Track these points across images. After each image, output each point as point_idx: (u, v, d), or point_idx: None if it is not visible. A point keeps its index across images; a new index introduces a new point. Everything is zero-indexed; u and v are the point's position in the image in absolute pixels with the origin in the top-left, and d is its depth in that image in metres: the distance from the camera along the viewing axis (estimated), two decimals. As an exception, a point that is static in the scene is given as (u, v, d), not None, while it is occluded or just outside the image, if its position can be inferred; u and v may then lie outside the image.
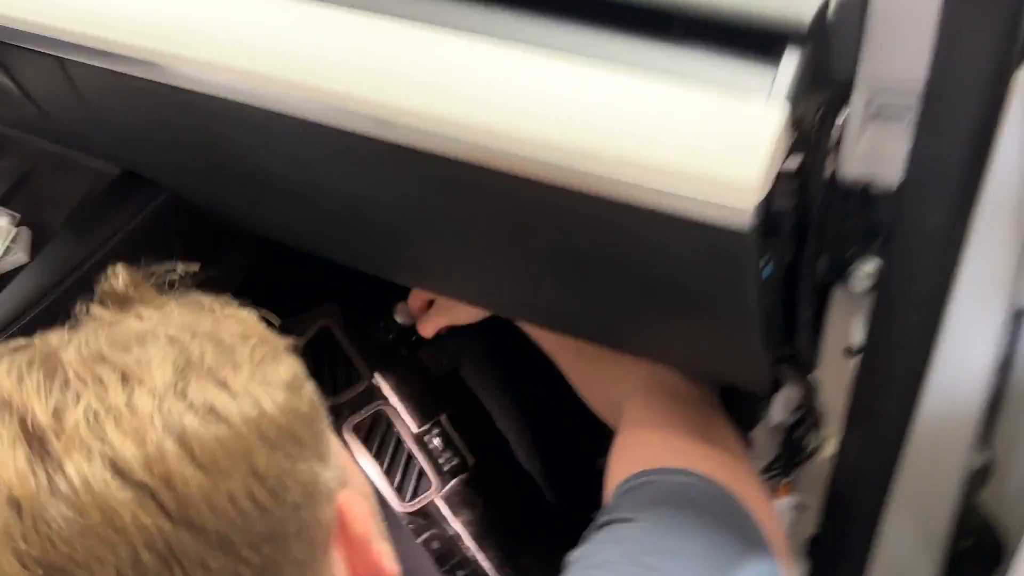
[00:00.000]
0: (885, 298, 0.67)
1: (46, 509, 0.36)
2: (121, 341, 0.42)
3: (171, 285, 0.50)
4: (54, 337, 0.44)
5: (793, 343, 0.74)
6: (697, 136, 0.53)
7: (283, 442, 0.42)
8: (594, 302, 0.73)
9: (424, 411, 0.95)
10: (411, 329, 0.93)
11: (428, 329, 0.92)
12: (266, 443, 0.41)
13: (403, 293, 0.95)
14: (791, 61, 0.56)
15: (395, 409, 0.93)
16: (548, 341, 0.87)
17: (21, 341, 0.43)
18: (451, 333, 0.93)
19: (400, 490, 0.96)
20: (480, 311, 0.89)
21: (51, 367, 0.40)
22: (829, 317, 0.74)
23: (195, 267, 0.53)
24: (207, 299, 0.48)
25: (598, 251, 0.65)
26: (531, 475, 1.06)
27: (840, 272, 0.70)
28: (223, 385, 0.41)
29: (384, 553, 0.49)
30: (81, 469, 0.37)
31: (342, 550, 0.47)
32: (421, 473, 0.96)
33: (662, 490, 0.66)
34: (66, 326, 0.46)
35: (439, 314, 0.92)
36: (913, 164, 0.61)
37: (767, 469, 0.84)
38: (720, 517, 0.64)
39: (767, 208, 0.57)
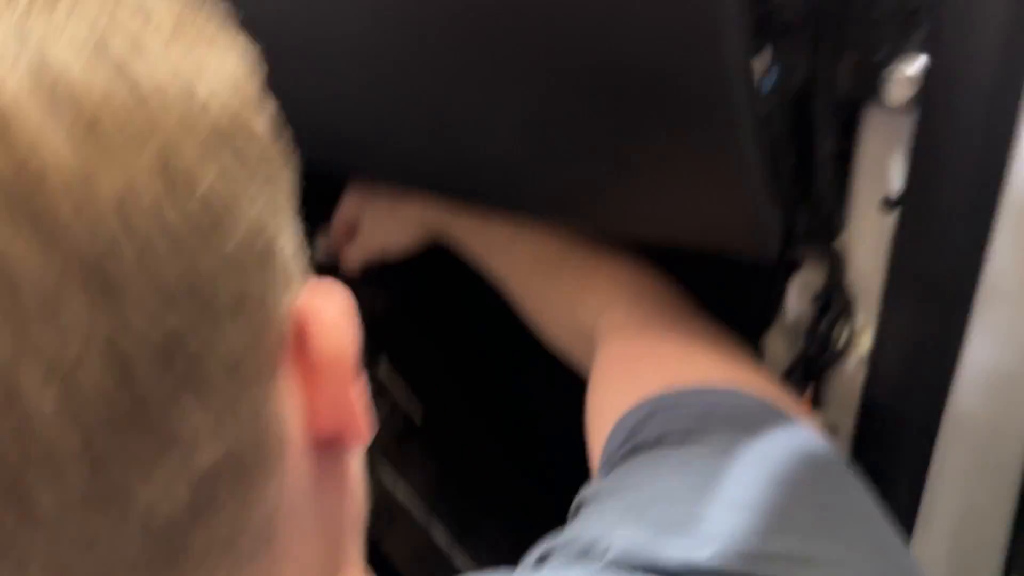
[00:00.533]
0: (932, 117, 0.46)
1: None
2: None
3: None
4: None
5: (810, 193, 0.53)
6: None
7: (218, 148, 0.26)
8: (575, 147, 0.53)
9: (360, 359, 0.77)
10: (335, 267, 0.79)
11: (354, 262, 0.77)
12: (192, 136, 0.25)
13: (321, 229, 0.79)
14: None
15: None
16: (496, 260, 0.69)
17: None
18: (383, 268, 0.77)
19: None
20: (412, 232, 0.73)
21: None
22: (858, 153, 0.53)
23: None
24: None
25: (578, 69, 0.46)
26: (492, 429, 0.87)
27: (871, 81, 0.48)
28: (141, 50, 0.25)
29: (360, 401, 0.32)
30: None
31: (298, 378, 0.30)
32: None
33: (721, 409, 0.46)
34: None
35: (365, 244, 0.76)
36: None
37: (783, 379, 0.63)
38: (825, 462, 0.44)
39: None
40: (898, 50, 0.47)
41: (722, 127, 0.45)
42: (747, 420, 0.46)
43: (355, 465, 0.34)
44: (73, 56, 0.23)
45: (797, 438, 0.45)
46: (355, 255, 0.78)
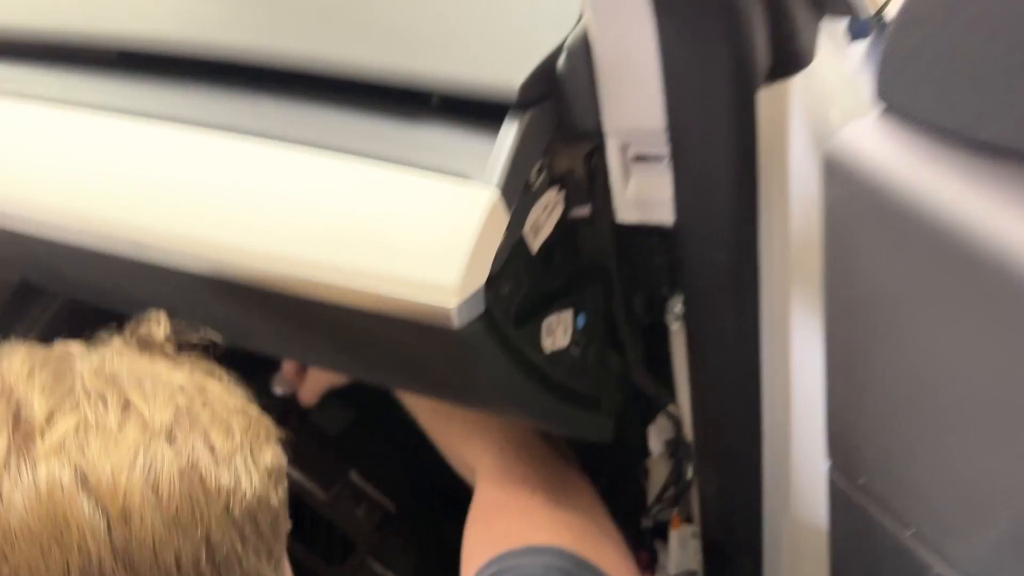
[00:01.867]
0: (691, 334, 0.64)
1: (3, 499, 0.36)
2: (136, 374, 0.42)
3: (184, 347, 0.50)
4: (75, 347, 0.45)
5: (630, 382, 0.72)
6: (402, 236, 0.52)
7: (244, 524, 0.41)
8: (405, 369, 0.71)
9: (330, 475, 0.95)
10: (293, 398, 0.91)
11: (309, 395, 0.91)
12: (229, 517, 0.40)
13: (275, 365, 0.93)
14: (508, 132, 0.54)
15: (298, 483, 0.92)
16: (405, 398, 0.83)
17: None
18: (334, 393, 0.91)
19: (328, 559, 0.96)
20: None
21: (62, 372, 0.40)
22: (673, 351, 0.72)
23: (216, 336, 0.53)
24: (218, 369, 0.49)
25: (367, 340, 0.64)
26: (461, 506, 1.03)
27: (659, 310, 0.67)
28: (211, 448, 0.41)
29: None
30: (52, 472, 0.36)
31: None
32: (345, 537, 0.96)
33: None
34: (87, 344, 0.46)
35: (313, 383, 0.90)
36: (679, 204, 0.58)
37: (657, 500, 0.82)
38: None
39: (498, 291, 0.55)
40: (672, 290, 0.66)
41: (510, 388, 0.62)
42: None
43: None
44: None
45: None
46: (307, 393, 0.91)
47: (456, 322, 0.51)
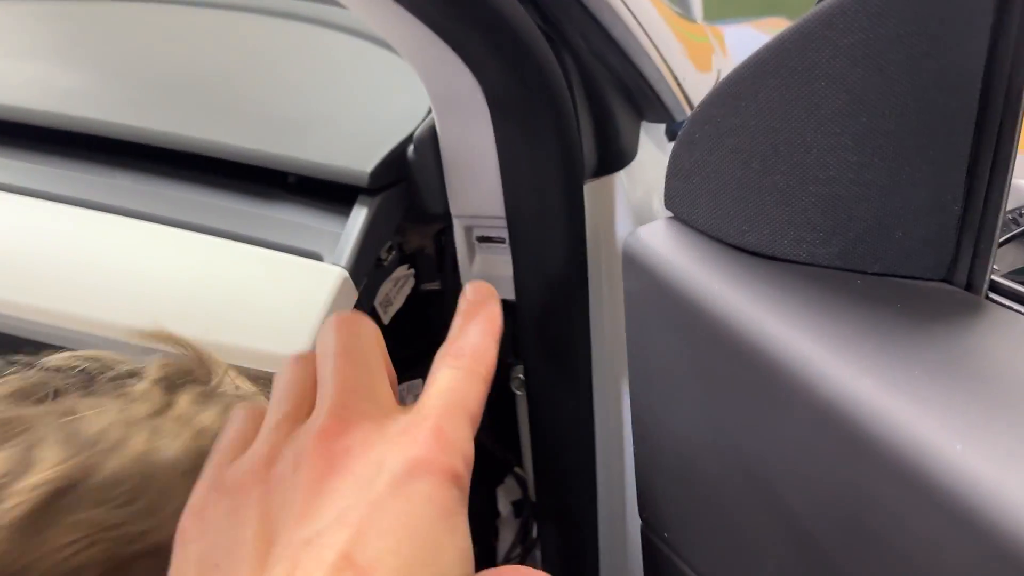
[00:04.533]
0: (530, 400, 0.70)
1: None
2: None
3: None
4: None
5: (479, 445, 0.76)
6: (258, 311, 0.55)
7: None
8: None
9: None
10: None
11: None
12: None
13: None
14: (359, 215, 0.59)
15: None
16: None
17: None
18: None
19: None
20: None
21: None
22: (519, 416, 0.77)
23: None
24: None
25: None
26: None
27: (504, 377, 0.72)
28: None
29: None
30: None
31: None
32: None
33: None
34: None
35: None
36: (518, 282, 0.64)
37: (506, 559, 0.86)
38: None
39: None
40: (516, 359, 0.71)
41: None
42: None
43: None
44: None
45: None
46: None
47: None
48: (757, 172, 0.38)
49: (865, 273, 0.38)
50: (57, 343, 0.60)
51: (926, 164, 0.35)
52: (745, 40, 1.31)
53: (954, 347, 0.33)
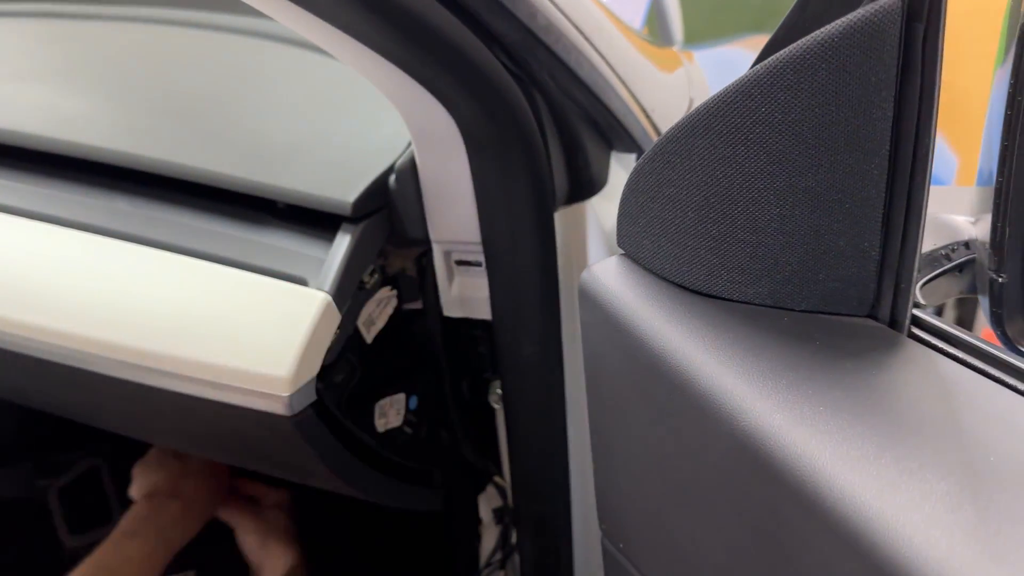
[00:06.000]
0: (507, 413, 0.73)
1: None
2: None
3: None
4: None
5: (461, 457, 0.80)
6: (244, 334, 0.59)
7: None
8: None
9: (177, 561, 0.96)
10: None
11: None
12: None
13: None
14: (343, 242, 0.62)
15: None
16: None
17: None
18: None
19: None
20: None
21: None
22: (498, 427, 0.80)
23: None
24: None
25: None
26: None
27: (483, 392, 0.76)
28: None
29: None
30: None
31: None
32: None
33: None
34: None
35: None
36: (494, 303, 0.67)
37: (487, 563, 0.90)
38: None
39: (331, 380, 0.63)
40: (494, 375, 0.75)
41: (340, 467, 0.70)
42: None
43: None
44: None
45: None
46: None
47: (289, 410, 0.58)
48: (692, 220, 0.42)
49: (793, 311, 0.42)
50: (50, 359, 0.64)
51: (843, 216, 0.39)
52: (735, 60, 1.35)
53: (863, 382, 0.37)
